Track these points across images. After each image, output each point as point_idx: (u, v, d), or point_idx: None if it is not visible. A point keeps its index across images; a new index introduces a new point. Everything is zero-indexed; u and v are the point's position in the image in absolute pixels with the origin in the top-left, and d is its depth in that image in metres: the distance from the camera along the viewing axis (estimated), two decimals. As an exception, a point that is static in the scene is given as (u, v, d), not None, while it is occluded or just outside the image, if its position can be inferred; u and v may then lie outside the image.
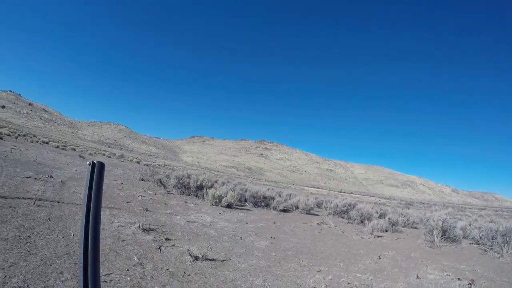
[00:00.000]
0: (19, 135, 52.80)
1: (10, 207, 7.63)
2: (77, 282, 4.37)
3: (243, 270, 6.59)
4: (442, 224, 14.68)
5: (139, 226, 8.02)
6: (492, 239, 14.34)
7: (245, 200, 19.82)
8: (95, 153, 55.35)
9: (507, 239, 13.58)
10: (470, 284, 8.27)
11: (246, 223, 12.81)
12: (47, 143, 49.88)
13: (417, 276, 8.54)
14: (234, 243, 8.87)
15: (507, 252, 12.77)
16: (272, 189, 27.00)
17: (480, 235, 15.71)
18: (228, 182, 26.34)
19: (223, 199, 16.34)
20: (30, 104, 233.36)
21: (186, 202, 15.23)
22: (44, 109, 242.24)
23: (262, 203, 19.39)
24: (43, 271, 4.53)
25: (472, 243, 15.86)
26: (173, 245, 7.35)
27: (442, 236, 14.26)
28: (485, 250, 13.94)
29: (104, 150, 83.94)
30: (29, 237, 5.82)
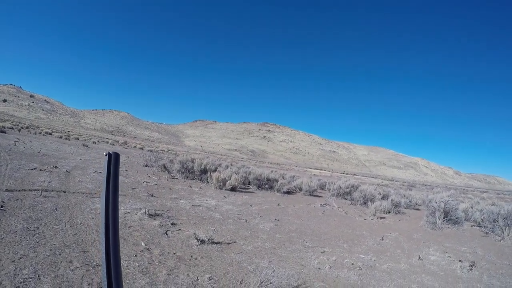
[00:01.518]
0: (22, 127, 52.98)
1: (17, 199, 7.72)
2: (86, 270, 4.47)
3: (249, 252, 6.69)
4: (444, 206, 14.73)
5: (145, 212, 8.11)
6: (494, 222, 14.44)
7: (249, 183, 19.95)
8: (98, 141, 55.47)
9: (509, 222, 13.67)
10: (471, 266, 8.37)
11: (251, 205, 12.93)
12: (50, 134, 49.98)
13: (419, 257, 8.64)
14: (239, 226, 8.98)
15: (508, 235, 12.85)
16: (276, 172, 27.16)
17: (482, 217, 15.80)
18: (231, 165, 26.43)
19: (227, 182, 16.44)
20: (31, 96, 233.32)
21: (190, 187, 15.35)
22: (45, 100, 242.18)
23: (266, 186, 19.52)
24: (52, 261, 4.62)
25: (473, 226, 16.02)
26: (179, 229, 7.45)
27: (444, 218, 14.37)
28: (486, 233, 14.05)
29: (107, 138, 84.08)
30: (37, 228, 5.91)
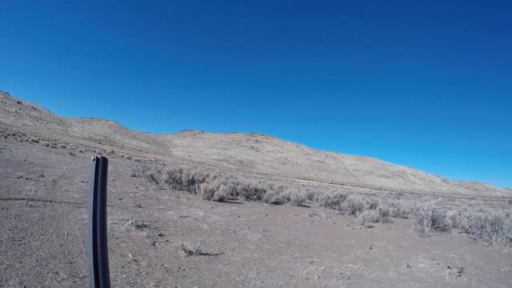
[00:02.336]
0: (8, 134, 52.48)
1: (3, 208, 7.62)
2: (73, 282, 4.42)
3: (237, 263, 6.67)
4: (432, 213, 14.91)
5: (132, 223, 8.05)
6: (481, 228, 14.73)
7: (237, 194, 19.92)
8: (85, 150, 55.09)
9: (496, 227, 13.93)
10: (460, 272, 8.48)
11: (239, 216, 12.90)
12: (37, 141, 49.62)
13: (408, 265, 8.72)
14: (227, 237, 8.95)
15: (496, 240, 13.08)
16: (264, 182, 27.14)
17: (470, 224, 16.08)
18: (219, 175, 26.40)
19: (215, 193, 16.40)
20: (18, 102, 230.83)
21: (178, 197, 15.29)
22: (33, 107, 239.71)
23: (254, 196, 19.53)
24: (39, 272, 4.56)
25: (461, 232, 16.28)
26: (167, 240, 7.41)
27: (432, 225, 14.55)
28: (474, 239, 14.28)
29: (94, 147, 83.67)
30: (23, 238, 5.84)
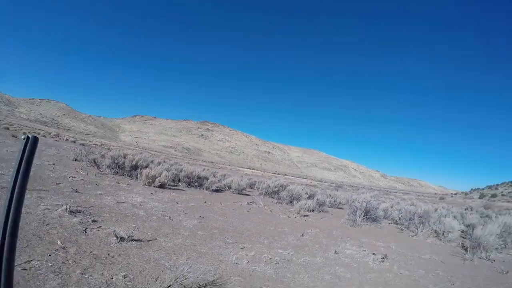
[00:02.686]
0: None
1: None
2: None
3: (168, 249, 6.80)
4: (366, 205, 15.68)
5: (66, 208, 7.91)
6: (410, 220, 16.02)
7: (179, 180, 19.92)
8: (29, 132, 52.36)
9: (423, 220, 15.21)
10: (383, 258, 9.15)
11: (177, 202, 12.97)
12: (-25, 122, 47.13)
13: (336, 252, 9.23)
14: (162, 223, 9.03)
15: (421, 231, 14.17)
16: (208, 170, 27.24)
17: (400, 216, 17.31)
18: (164, 162, 26.24)
19: (157, 179, 16.35)
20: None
21: (118, 183, 15.10)
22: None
23: (196, 183, 19.61)
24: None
25: (391, 223, 17.33)
26: (100, 226, 7.39)
27: (364, 216, 15.32)
28: (401, 229, 15.36)
29: (39, 129, 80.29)
30: None
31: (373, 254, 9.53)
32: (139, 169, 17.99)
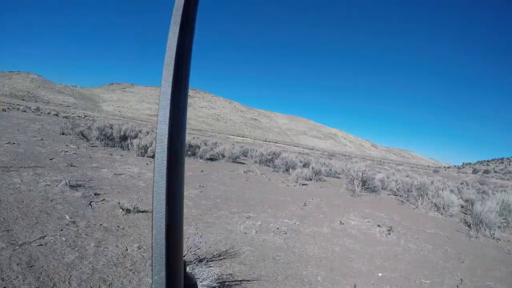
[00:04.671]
0: None
1: None
2: (13, 250, 4.30)
3: None
4: (362, 175, 15.73)
5: (66, 183, 7.78)
6: (408, 191, 16.20)
7: (171, 149, 19.72)
8: (8, 108, 51.70)
9: (421, 192, 15.25)
10: (389, 230, 9.18)
11: (174, 172, 12.75)
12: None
13: (341, 222, 9.24)
14: (165, 194, 8.86)
15: (422, 204, 14.20)
16: (198, 138, 27.15)
17: (397, 187, 17.48)
18: (152, 131, 25.98)
19: (149, 149, 16.16)
20: None
21: (111, 155, 14.90)
22: None
23: (189, 152, 19.47)
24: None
25: (390, 194, 17.42)
26: (103, 199, 7.29)
27: (362, 186, 15.45)
28: (402, 201, 15.38)
29: (18, 104, 79.05)
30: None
31: (378, 226, 9.57)
32: (129, 139, 17.70)
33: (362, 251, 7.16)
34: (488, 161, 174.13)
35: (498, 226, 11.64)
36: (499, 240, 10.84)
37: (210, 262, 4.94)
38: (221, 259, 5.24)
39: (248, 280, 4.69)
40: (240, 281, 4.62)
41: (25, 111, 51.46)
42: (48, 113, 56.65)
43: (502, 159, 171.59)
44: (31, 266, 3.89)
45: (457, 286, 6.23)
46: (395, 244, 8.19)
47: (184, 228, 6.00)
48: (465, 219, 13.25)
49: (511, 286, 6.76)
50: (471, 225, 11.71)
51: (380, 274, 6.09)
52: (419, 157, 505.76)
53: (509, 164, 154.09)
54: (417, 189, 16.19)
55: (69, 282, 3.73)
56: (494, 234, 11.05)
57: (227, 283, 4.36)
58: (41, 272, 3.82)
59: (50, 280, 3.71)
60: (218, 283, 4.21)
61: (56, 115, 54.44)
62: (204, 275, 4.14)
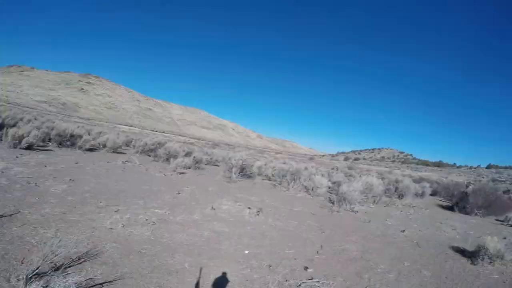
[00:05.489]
0: None
1: None
2: None
3: (34, 222, 6.23)
4: (242, 163, 16.56)
5: None
6: (283, 176, 17.91)
7: (49, 140, 18.66)
8: None
9: (295, 177, 16.83)
10: (259, 211, 9.98)
11: (45, 166, 12.12)
12: None
13: (212, 207, 9.64)
14: (27, 191, 8.29)
15: (293, 187, 15.85)
16: (83, 127, 26.28)
17: (273, 173, 18.82)
18: (35, 119, 24.50)
19: (24, 140, 15.12)
20: None
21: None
22: None
23: (68, 142, 18.68)
24: None
25: (265, 179, 18.75)
26: None
27: (240, 173, 16.45)
28: (274, 185, 16.83)
29: None
30: None
31: (249, 208, 10.22)
32: (5, 128, 16.38)
33: (230, 233, 7.58)
34: (360, 150, 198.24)
35: (358, 202, 13.46)
36: (357, 212, 12.60)
37: (68, 269, 4.69)
38: (81, 263, 4.98)
39: (111, 281, 4.61)
40: (101, 284, 4.51)
41: None
42: None
43: (373, 149, 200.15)
44: None
45: (317, 252, 7.12)
46: (262, 223, 8.86)
47: (42, 231, 5.79)
48: (330, 198, 14.72)
49: (362, 246, 8.05)
50: (335, 202, 13.38)
51: (246, 252, 6.55)
52: (298, 146, 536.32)
53: (378, 154, 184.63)
54: (292, 174, 17.46)
55: None
56: (353, 208, 12.85)
57: (86, 291, 4.24)
58: None
59: None
60: (76, 292, 4.08)
61: None
62: (59, 286, 3.95)
